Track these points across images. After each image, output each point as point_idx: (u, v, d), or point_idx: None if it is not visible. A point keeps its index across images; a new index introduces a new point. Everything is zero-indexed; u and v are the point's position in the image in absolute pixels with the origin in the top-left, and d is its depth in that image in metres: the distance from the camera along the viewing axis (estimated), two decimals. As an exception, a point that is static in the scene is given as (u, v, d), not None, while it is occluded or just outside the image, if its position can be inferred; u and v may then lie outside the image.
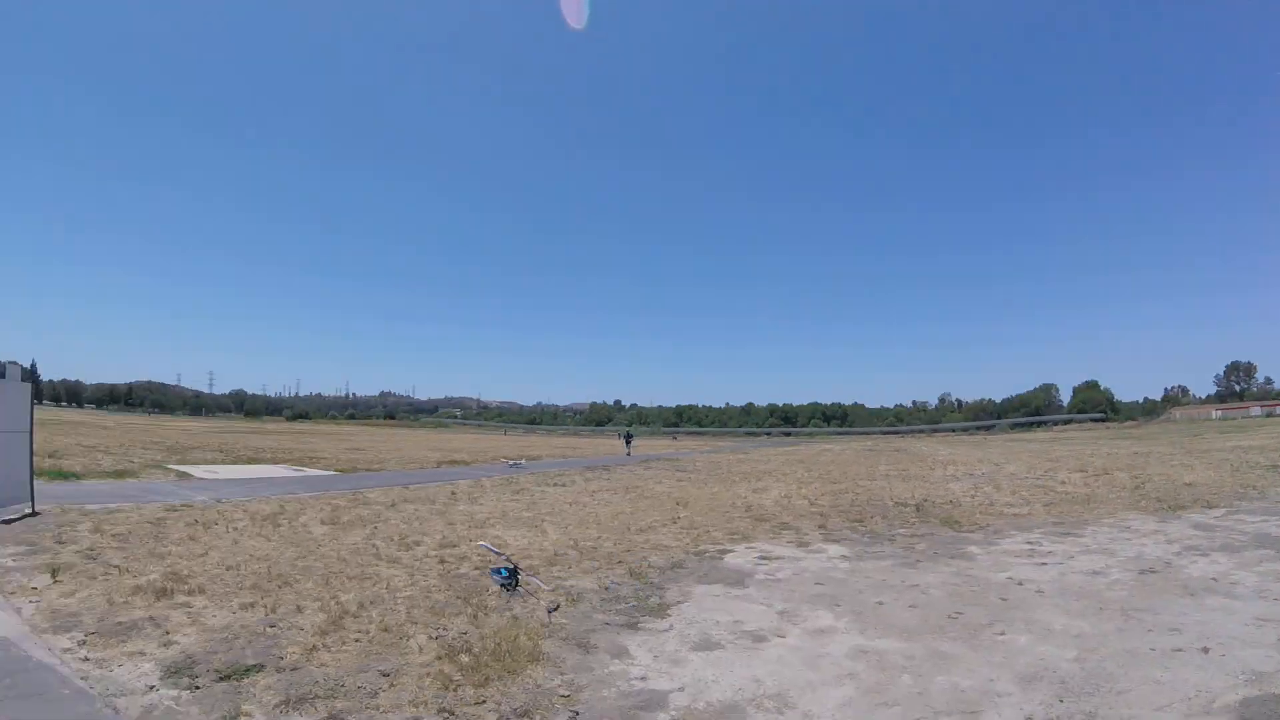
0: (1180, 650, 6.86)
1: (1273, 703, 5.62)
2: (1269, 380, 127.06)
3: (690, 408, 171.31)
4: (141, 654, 6.88)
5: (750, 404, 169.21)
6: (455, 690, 5.99)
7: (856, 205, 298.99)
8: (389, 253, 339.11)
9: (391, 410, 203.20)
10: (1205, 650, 6.82)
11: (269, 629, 7.55)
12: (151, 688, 6.08)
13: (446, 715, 5.54)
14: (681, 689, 6.11)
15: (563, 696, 5.90)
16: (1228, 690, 5.90)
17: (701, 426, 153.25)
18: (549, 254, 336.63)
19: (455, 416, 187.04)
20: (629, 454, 50.58)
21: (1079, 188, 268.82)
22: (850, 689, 6.07)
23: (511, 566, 9.60)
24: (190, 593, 9.05)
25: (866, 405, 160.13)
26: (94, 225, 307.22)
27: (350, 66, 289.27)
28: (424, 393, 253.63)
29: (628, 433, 65.35)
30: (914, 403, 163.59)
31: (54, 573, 9.94)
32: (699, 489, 23.10)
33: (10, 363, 15.18)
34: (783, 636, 7.55)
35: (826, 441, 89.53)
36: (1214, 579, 9.67)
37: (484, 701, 5.77)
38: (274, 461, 32.76)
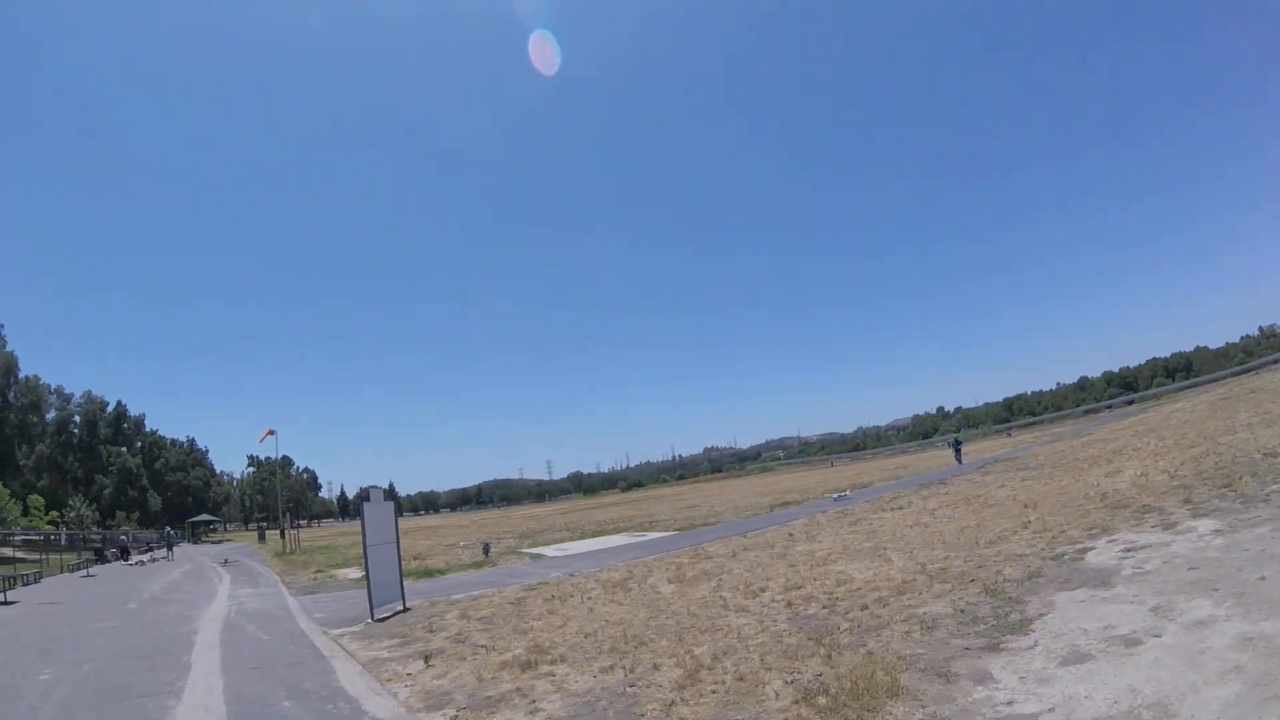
0: None
1: None
2: None
3: (1019, 398, 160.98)
4: (509, 725, 7.56)
5: (1083, 378, 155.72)
6: (815, 734, 6.10)
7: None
8: (693, 316, 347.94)
9: (717, 463, 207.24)
10: None
11: (629, 689, 8.06)
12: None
13: (809, 760, 5.67)
14: (1051, 710, 5.88)
15: (925, 731, 5.88)
16: None
17: (1035, 415, 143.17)
18: (834, 283, 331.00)
19: (779, 458, 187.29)
20: (960, 462, 48.05)
21: None
22: (1236, 685, 5.59)
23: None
24: (553, 662, 9.83)
25: (1210, 346, 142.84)
26: (438, 350, 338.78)
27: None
28: (745, 440, 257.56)
29: (955, 440, 61.44)
30: (1261, 329, 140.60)
31: (426, 658, 11.12)
32: (1045, 485, 21.80)
33: (373, 487, 17.36)
34: (1158, 636, 7.05)
35: (1174, 400, 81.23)
36: None
37: (845, 745, 5.85)
38: (616, 531, 34.55)
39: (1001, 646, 7.64)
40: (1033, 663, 7.03)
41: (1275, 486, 12.84)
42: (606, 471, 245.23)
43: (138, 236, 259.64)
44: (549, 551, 28.07)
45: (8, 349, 78.27)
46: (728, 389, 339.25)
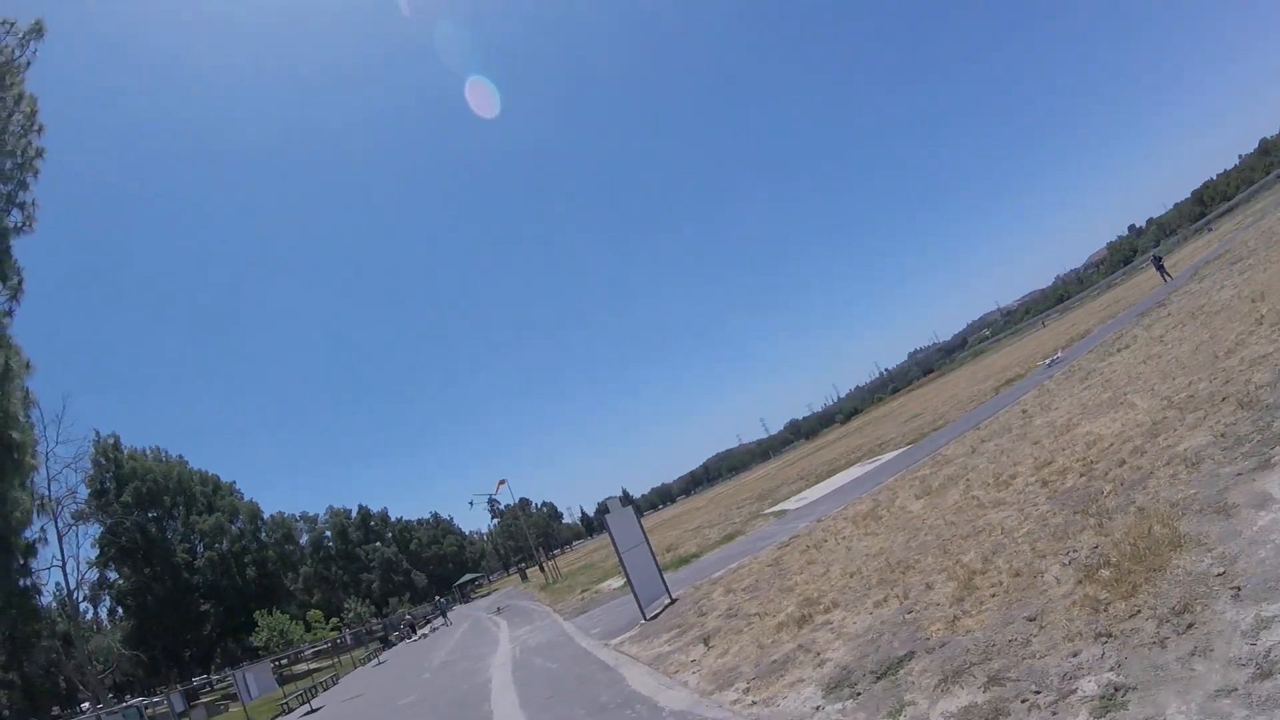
0: None
1: None
2: None
3: (1206, 187, 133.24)
4: (800, 681, 7.45)
5: (1264, 139, 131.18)
6: (1105, 610, 5.68)
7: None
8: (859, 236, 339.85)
9: (925, 365, 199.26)
10: None
11: (907, 616, 7.81)
12: (817, 708, 6.56)
13: (1104, 639, 5.27)
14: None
15: (1218, 575, 5.33)
16: None
17: (1229, 199, 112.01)
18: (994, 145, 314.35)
19: (985, 338, 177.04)
20: (1166, 279, 42.67)
21: None
22: None
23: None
24: (826, 610, 9.64)
25: None
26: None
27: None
28: (946, 331, 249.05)
29: (1155, 256, 53.58)
30: None
31: (705, 641, 11.15)
32: (1265, 271, 19.74)
33: (610, 499, 17.76)
34: None
35: None
36: None
37: (1138, 612, 5.41)
38: (848, 465, 33.60)
39: (1274, 461, 6.88)
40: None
41: None
42: (820, 410, 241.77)
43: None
44: (790, 505, 27.75)
45: (246, 499, 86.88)
46: (913, 291, 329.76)
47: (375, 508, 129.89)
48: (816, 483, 32.28)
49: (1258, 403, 8.87)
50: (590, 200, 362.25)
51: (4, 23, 19.35)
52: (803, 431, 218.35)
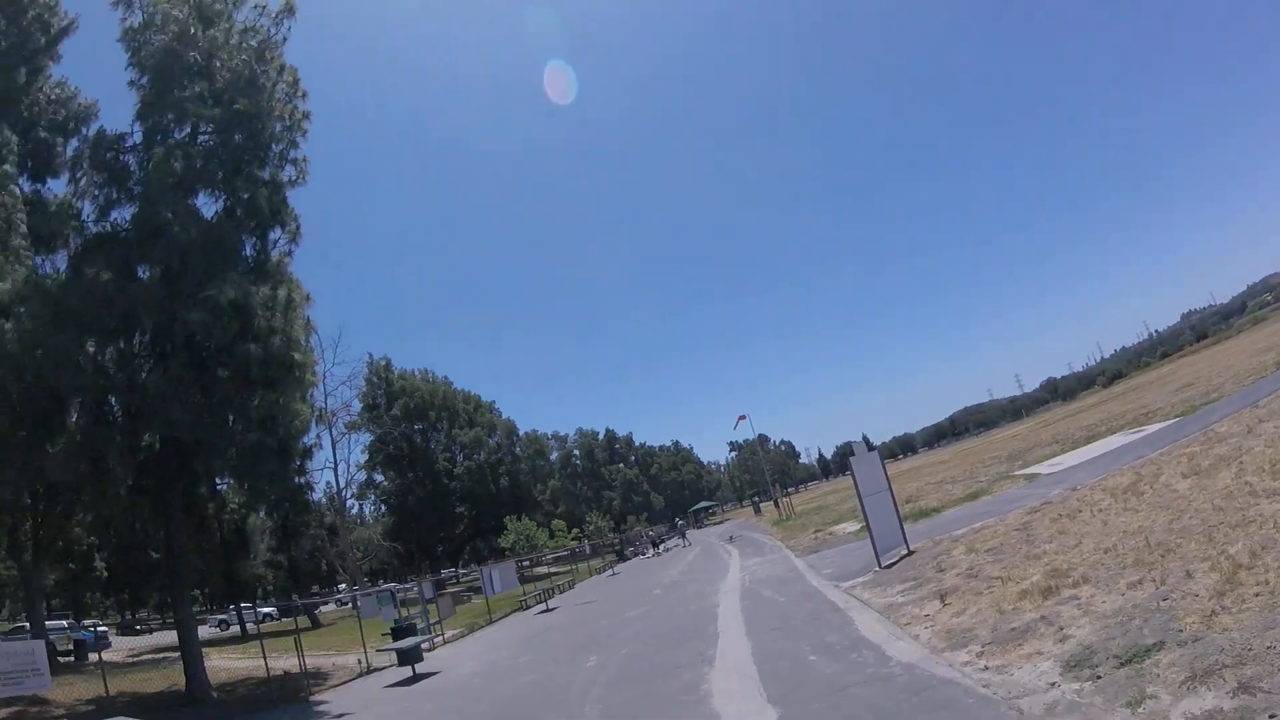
0: None
1: None
2: None
3: None
4: (1039, 654, 7.45)
5: None
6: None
7: None
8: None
9: (1199, 330, 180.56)
10: None
11: (1161, 603, 7.45)
12: (1053, 684, 6.59)
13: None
14: None
15: None
16: None
17: None
18: None
19: (1268, 303, 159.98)
20: None
21: None
22: None
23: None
24: (1074, 584, 9.41)
25: None
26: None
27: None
28: (1223, 293, 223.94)
29: None
30: None
31: (941, 597, 11.19)
32: None
33: (853, 442, 17.94)
34: None
35: None
36: None
37: None
38: (1110, 433, 31.65)
39: None
40: None
41: None
42: (1081, 371, 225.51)
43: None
44: (1042, 469, 26.64)
45: (504, 417, 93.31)
46: (1190, 247, 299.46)
47: (621, 431, 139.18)
48: (1073, 448, 30.76)
49: None
50: (837, 151, 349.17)
51: (257, 6, 22.22)
52: (1060, 392, 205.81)
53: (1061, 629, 7.94)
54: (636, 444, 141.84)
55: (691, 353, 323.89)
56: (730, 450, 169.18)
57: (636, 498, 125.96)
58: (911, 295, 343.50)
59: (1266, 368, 31.28)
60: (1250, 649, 5.68)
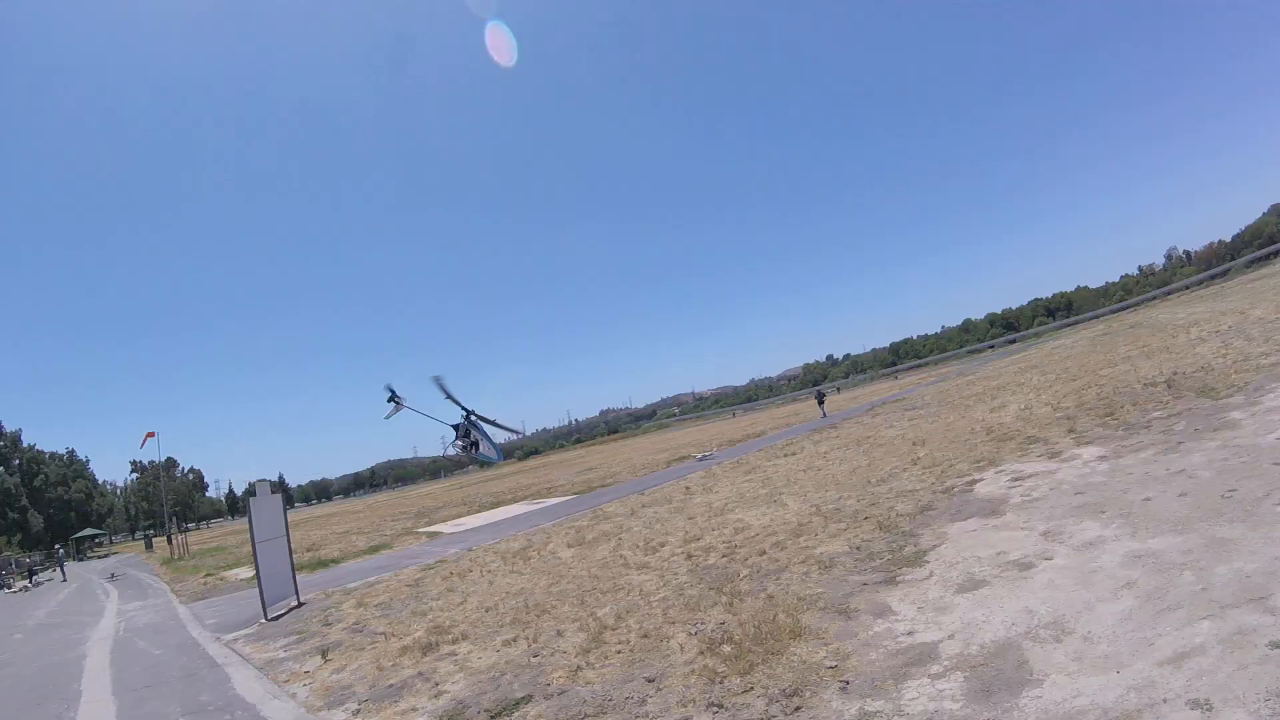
0: None
1: None
2: None
3: (905, 342, 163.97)
4: (414, 710, 7.34)
5: (967, 320, 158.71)
6: (721, 682, 6.04)
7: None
8: (574, 281, 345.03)
9: (613, 425, 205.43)
10: None
11: (533, 659, 7.89)
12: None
13: (715, 709, 5.58)
14: (951, 636, 5.90)
15: (830, 668, 5.80)
16: None
17: (921, 358, 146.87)
18: (718, 245, 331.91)
19: (674, 414, 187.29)
20: (824, 415, 46.49)
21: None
22: (1129, 600, 5.65)
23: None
24: (454, 641, 9.57)
25: (1090, 286, 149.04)
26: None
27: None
28: (640, 400, 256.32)
29: (819, 392, 57.43)
30: (1140, 269, 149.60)
31: (323, 653, 10.73)
32: (932, 423, 22.30)
33: (259, 481, 16.70)
34: (1050, 559, 7.15)
35: (1055, 337, 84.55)
36: None
37: (751, 689, 5.78)
38: (514, 501, 34.04)
39: (898, 579, 7.67)
40: (929, 592, 7.06)
41: (1157, 414, 13.28)
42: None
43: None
44: (446, 528, 27.52)
45: None
46: (622, 352, 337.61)
47: (10, 425, 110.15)
48: (479, 511, 32.34)
49: (896, 528, 9.89)
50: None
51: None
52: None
53: (438, 685, 7.98)
54: (25, 444, 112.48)
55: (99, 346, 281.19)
56: (132, 471, 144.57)
57: (13, 514, 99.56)
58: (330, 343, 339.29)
59: (659, 464, 35.75)
60: (610, 699, 6.26)
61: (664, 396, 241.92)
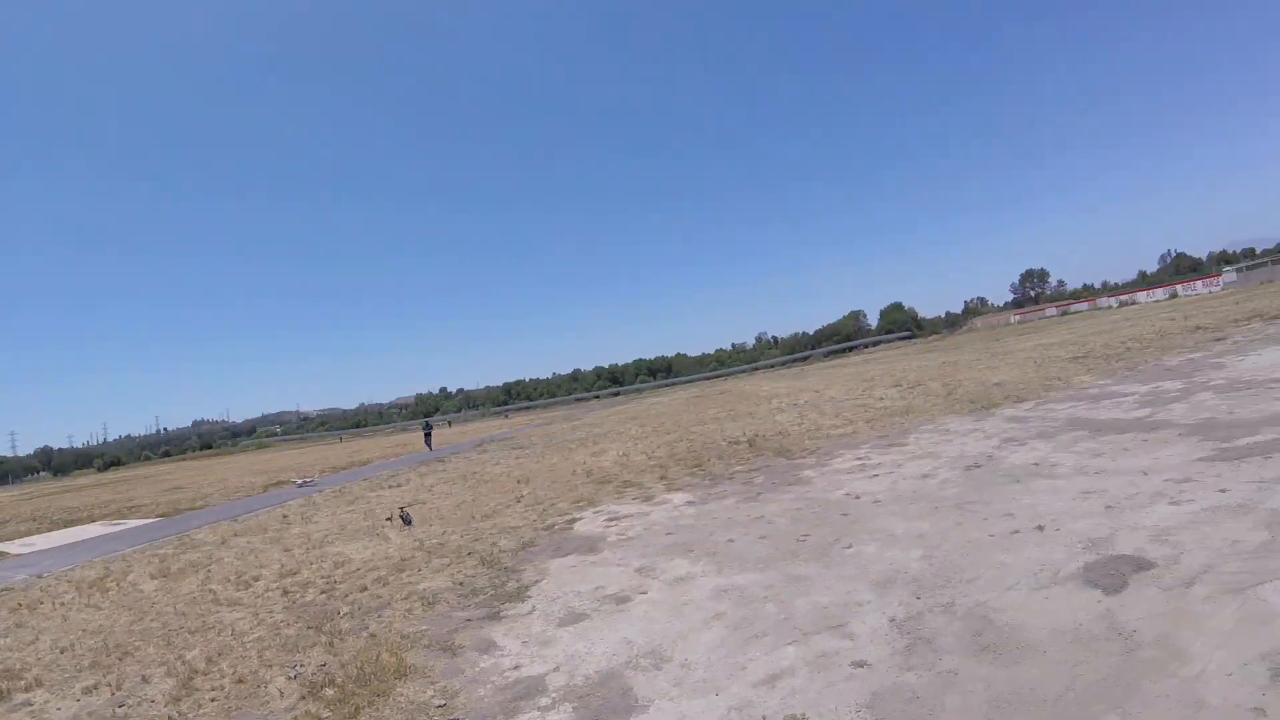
0: (1017, 532, 7.18)
1: (1113, 563, 5.96)
2: (1061, 283, 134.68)
3: (518, 383, 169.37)
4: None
5: (577, 370, 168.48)
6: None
7: (649, 152, 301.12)
8: (172, 268, 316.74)
9: (207, 439, 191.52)
10: (1040, 529, 7.16)
11: (118, 710, 6.89)
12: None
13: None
14: (556, 668, 5.95)
15: (439, 707, 5.61)
16: (1069, 560, 6.21)
17: (532, 400, 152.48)
18: (341, 242, 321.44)
19: (275, 434, 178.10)
20: (430, 448, 46.03)
21: (867, 120, 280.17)
22: (719, 629, 6.06)
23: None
24: (28, 688, 8.17)
25: (689, 354, 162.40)
26: None
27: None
28: (239, 414, 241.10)
29: (426, 424, 55.56)
30: (734, 345, 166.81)
31: None
32: (537, 463, 22.85)
33: None
34: (645, 593, 7.48)
35: (655, 395, 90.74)
36: (1035, 464, 10.20)
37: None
38: (90, 520, 30.06)
39: (502, 615, 7.64)
40: (533, 627, 7.10)
41: (739, 468, 14.64)
42: (81, 447, 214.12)
43: None
44: (13, 548, 23.61)
45: None
46: (221, 358, 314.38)
47: None
48: (51, 530, 28.20)
49: (499, 564, 9.92)
50: None
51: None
52: (54, 465, 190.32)
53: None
54: None
55: None
56: None
57: None
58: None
59: (255, 488, 33.41)
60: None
61: (265, 413, 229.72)
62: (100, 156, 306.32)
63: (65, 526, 28.54)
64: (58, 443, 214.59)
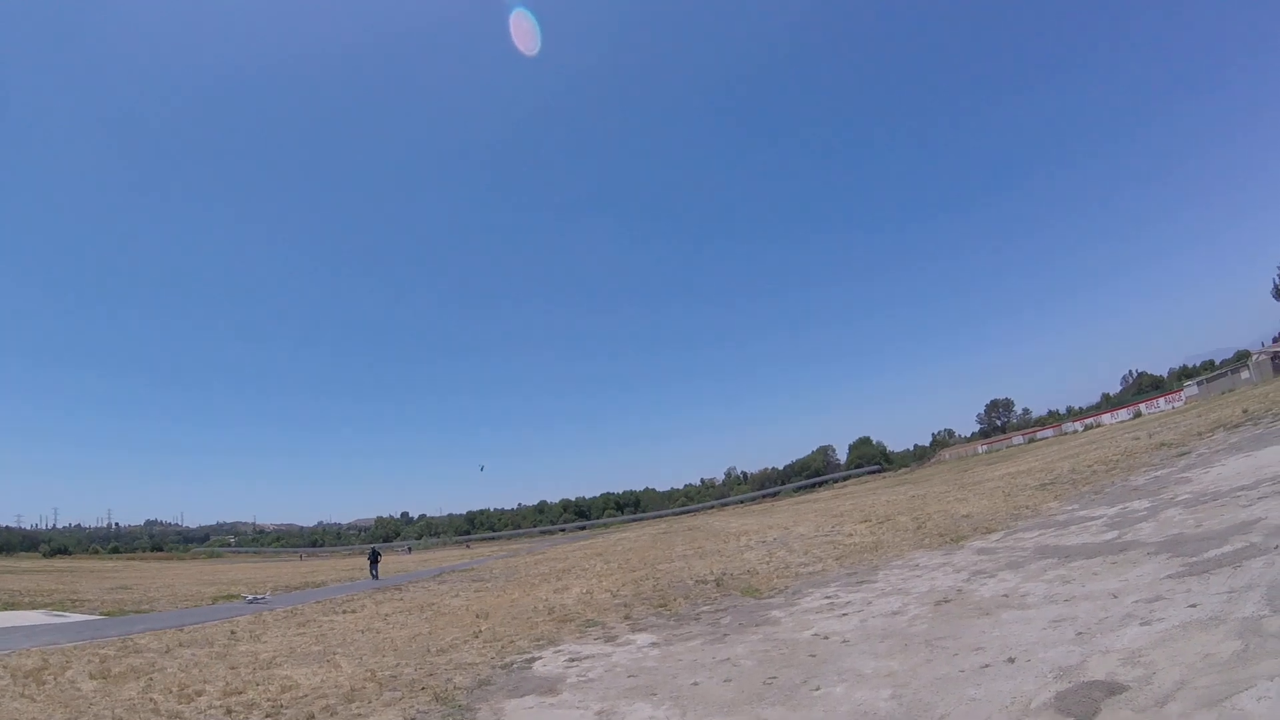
0: (988, 666, 6.98)
1: (1085, 689, 5.76)
2: (1026, 411, 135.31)
3: (482, 513, 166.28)
4: None
5: (543, 502, 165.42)
6: None
7: (625, 301, 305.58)
8: (130, 376, 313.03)
9: (159, 540, 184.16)
10: (1011, 660, 6.96)
11: None
12: None
13: None
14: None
15: None
16: (1041, 690, 6.02)
17: (495, 530, 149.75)
18: (318, 369, 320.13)
19: (229, 544, 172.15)
20: (375, 576, 43.45)
21: (815, 281, 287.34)
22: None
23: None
24: None
25: (657, 489, 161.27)
26: None
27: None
28: (194, 519, 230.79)
29: (373, 550, 51.86)
30: (703, 480, 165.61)
31: None
32: (498, 597, 22.28)
33: None
34: (603, 738, 7.15)
35: (622, 530, 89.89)
36: (1005, 595, 10.03)
37: None
38: (32, 606, 28.94)
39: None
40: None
41: (705, 607, 14.29)
42: (28, 528, 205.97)
43: None
44: None
45: None
46: (179, 460, 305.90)
47: None
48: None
49: (453, 700, 9.50)
50: None
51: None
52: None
53: None
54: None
55: None
56: None
57: None
58: None
59: (204, 598, 32.28)
60: None
61: (221, 520, 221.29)
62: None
63: (4, 609, 27.44)
64: (4, 519, 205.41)
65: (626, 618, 14.58)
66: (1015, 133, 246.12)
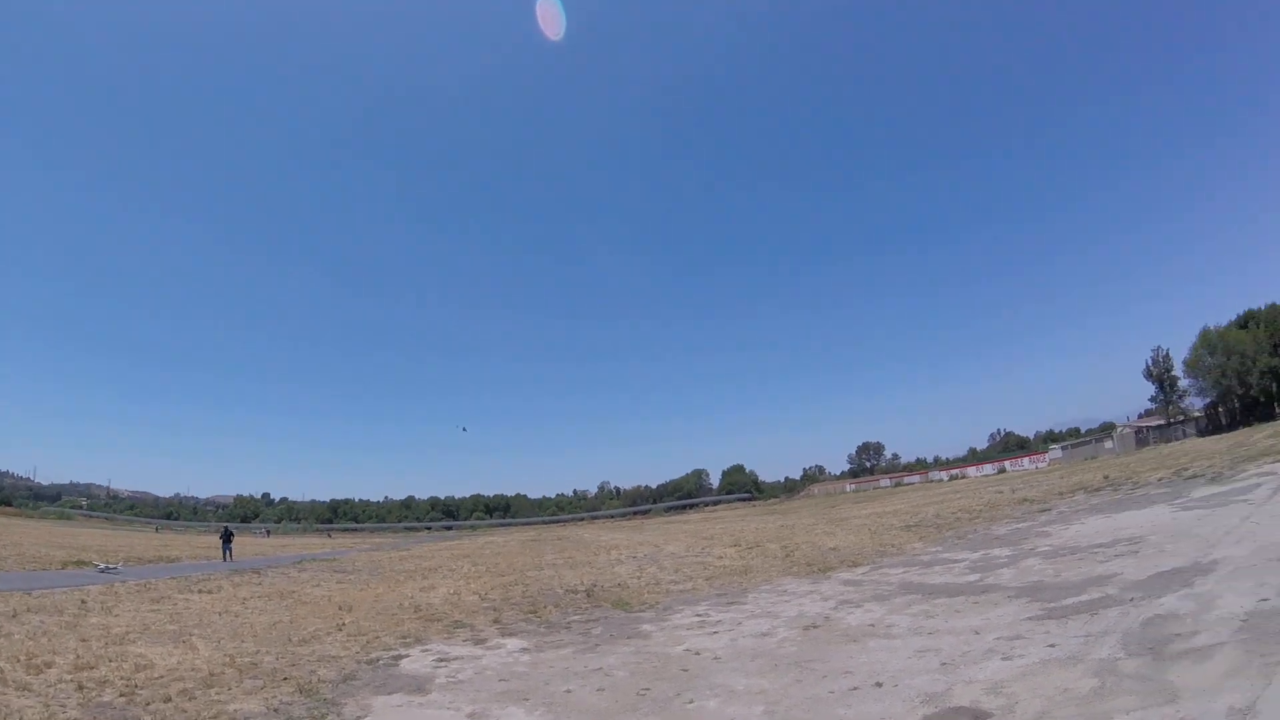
0: (856, 689, 7.21)
1: (951, 715, 6.03)
2: (896, 456, 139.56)
3: (346, 502, 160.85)
4: None
5: (411, 497, 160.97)
6: None
7: (505, 308, 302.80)
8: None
9: (8, 495, 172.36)
10: (879, 685, 7.23)
11: None
12: None
13: None
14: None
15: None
16: (909, 713, 6.26)
17: (359, 522, 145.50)
18: (186, 341, 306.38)
19: (80, 506, 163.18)
20: (228, 558, 41.03)
21: (723, 308, 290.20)
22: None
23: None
24: None
25: (529, 495, 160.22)
26: None
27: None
28: (46, 475, 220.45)
29: (226, 529, 48.15)
30: (575, 491, 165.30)
31: None
32: (362, 591, 21.82)
33: None
34: (474, 742, 7.11)
35: (490, 533, 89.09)
36: (871, 625, 10.38)
37: None
38: None
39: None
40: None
41: (576, 617, 14.34)
42: None
43: None
44: None
45: None
46: (36, 413, 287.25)
47: None
48: None
49: (318, 693, 9.22)
50: None
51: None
52: None
53: None
54: None
55: None
56: None
57: None
58: None
59: (54, 562, 30.02)
60: None
61: (74, 480, 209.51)
62: None
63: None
64: None
65: (496, 621, 14.49)
66: (922, 191, 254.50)
